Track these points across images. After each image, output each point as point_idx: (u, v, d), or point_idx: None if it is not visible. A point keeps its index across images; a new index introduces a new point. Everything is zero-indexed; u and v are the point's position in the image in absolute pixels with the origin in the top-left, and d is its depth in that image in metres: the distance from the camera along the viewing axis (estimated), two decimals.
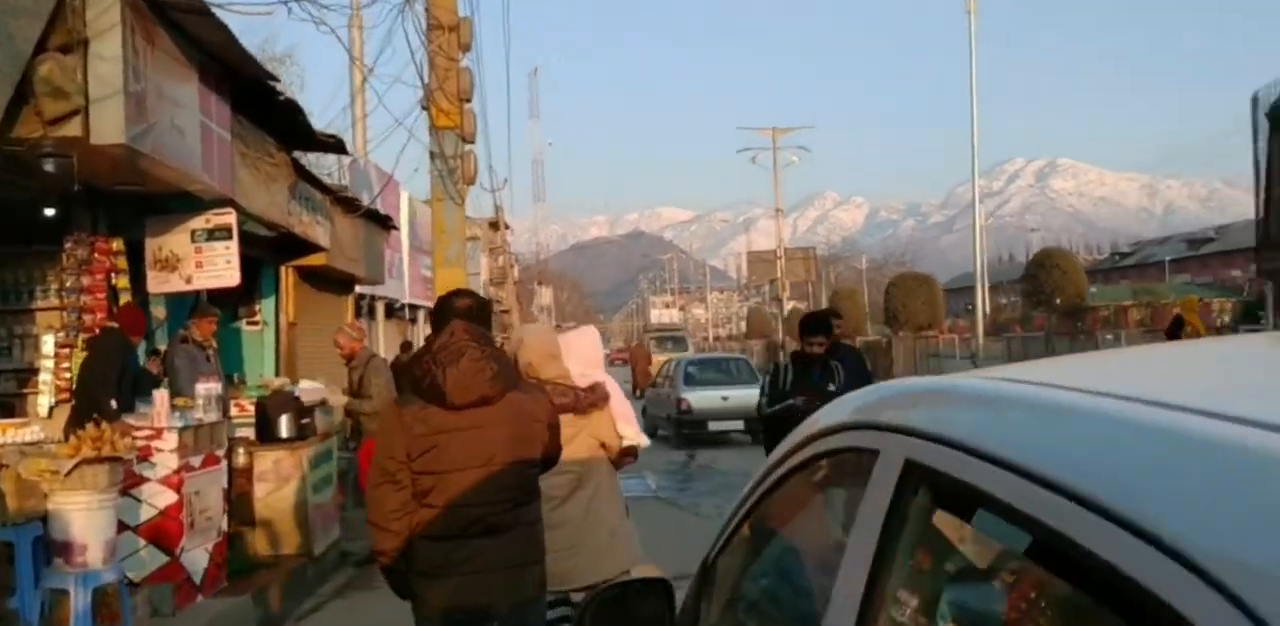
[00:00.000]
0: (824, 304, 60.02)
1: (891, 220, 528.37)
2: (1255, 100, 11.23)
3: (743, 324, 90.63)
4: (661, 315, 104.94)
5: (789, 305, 52.80)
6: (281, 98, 7.90)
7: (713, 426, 16.08)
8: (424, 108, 10.23)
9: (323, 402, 8.27)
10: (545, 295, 67.48)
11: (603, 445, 4.00)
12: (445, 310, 3.37)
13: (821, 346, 5.94)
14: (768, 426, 6.22)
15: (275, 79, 7.97)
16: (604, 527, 3.90)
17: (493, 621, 3.06)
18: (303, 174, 9.36)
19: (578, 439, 3.84)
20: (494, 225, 39.76)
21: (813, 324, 6.17)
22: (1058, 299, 40.11)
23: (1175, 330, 11.63)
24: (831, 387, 5.73)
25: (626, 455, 4.19)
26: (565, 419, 3.69)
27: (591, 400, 3.93)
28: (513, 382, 3.16)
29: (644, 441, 4.35)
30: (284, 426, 7.37)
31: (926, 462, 1.13)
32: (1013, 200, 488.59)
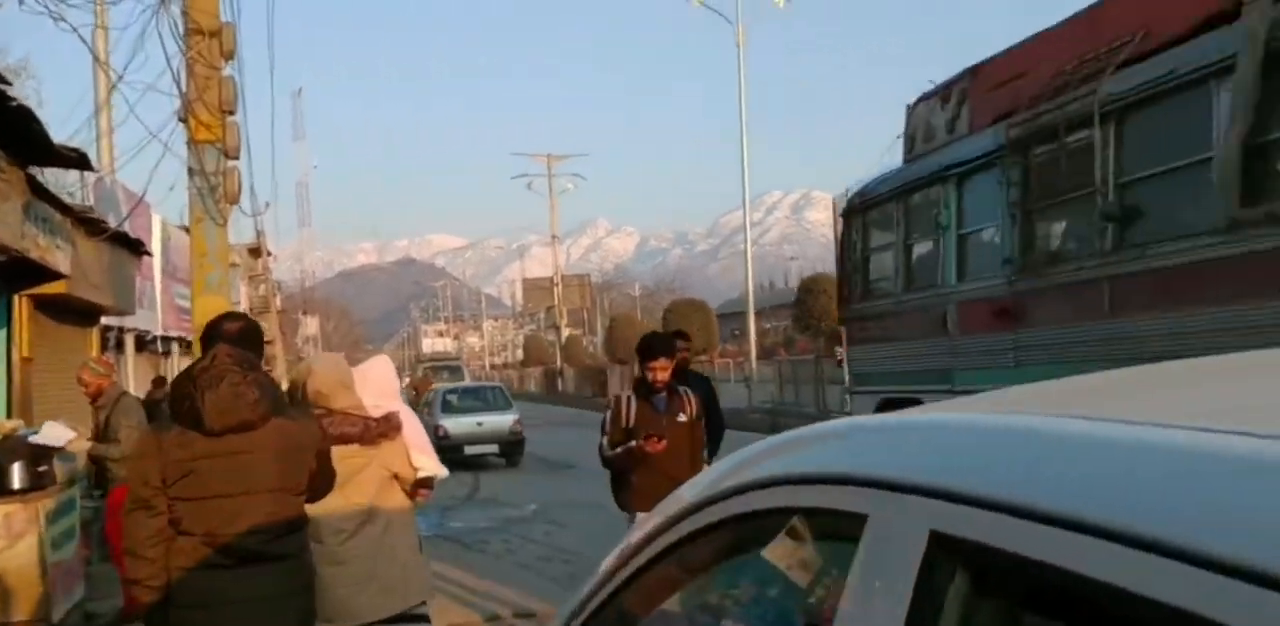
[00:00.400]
0: (600, 330, 60.20)
1: (661, 248, 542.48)
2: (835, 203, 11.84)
3: (519, 352, 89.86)
4: (434, 344, 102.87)
5: (566, 332, 53.06)
6: (14, 104, 7.01)
7: (469, 450, 17.10)
8: (181, 119, 9.34)
9: (62, 448, 7.39)
10: (311, 325, 64.09)
11: (396, 477, 3.89)
12: (213, 334, 3.30)
13: (665, 371, 5.13)
14: (612, 471, 5.50)
15: (5, 82, 7.07)
16: (395, 562, 3.80)
17: None
18: (39, 192, 8.47)
19: (367, 470, 3.76)
20: (255, 252, 37.55)
21: (654, 345, 5.28)
22: (823, 322, 42.02)
23: None
24: (682, 419, 5.14)
25: (422, 487, 4.05)
26: (354, 449, 3.67)
27: (382, 430, 3.82)
28: (277, 409, 3.09)
29: (442, 472, 4.21)
30: (16, 475, 6.51)
31: (973, 538, 0.77)
32: (772, 230, 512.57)
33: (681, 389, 5.31)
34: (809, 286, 47.02)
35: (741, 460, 1.27)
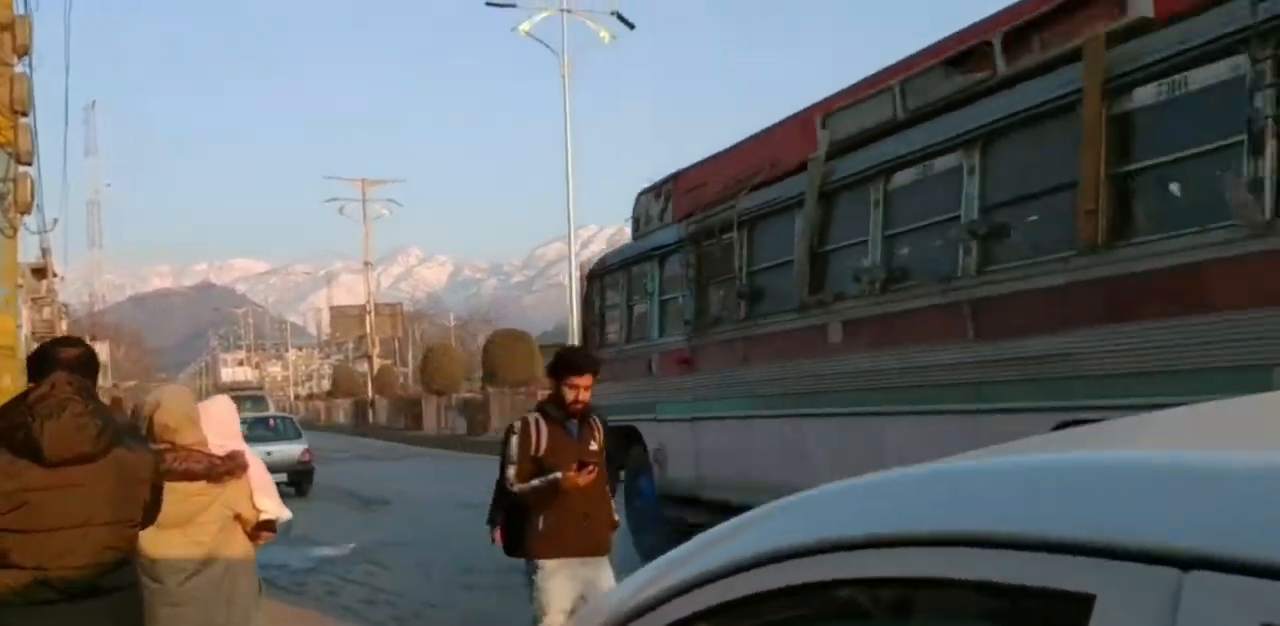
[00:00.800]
0: (412, 361, 59.83)
1: (475, 279, 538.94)
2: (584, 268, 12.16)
3: (325, 382, 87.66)
4: (234, 373, 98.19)
5: (377, 363, 51.77)
6: None
7: None
8: None
9: None
10: (100, 352, 60.89)
11: (238, 517, 3.82)
12: (46, 359, 3.15)
13: (588, 391, 4.53)
14: (509, 510, 4.65)
15: None
16: (234, 607, 3.75)
17: None
18: None
19: (211, 509, 3.70)
20: (39, 272, 36.18)
21: (577, 360, 4.71)
22: None
23: None
24: (594, 448, 4.59)
25: (264, 529, 3.99)
26: (199, 487, 3.62)
27: (228, 468, 3.74)
28: (117, 439, 3.02)
29: (285, 514, 4.10)
30: None
31: None
32: (589, 264, 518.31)
33: (594, 417, 4.72)
34: None
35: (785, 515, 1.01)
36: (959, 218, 5.40)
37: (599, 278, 10.14)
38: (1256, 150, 3.88)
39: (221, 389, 52.99)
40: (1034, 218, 5.40)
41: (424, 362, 37.74)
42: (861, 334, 6.15)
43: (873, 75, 6.61)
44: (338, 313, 55.73)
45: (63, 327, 46.28)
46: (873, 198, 6.10)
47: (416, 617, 7.62)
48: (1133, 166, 4.59)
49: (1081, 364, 4.54)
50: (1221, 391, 3.22)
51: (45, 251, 30.14)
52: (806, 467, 6.14)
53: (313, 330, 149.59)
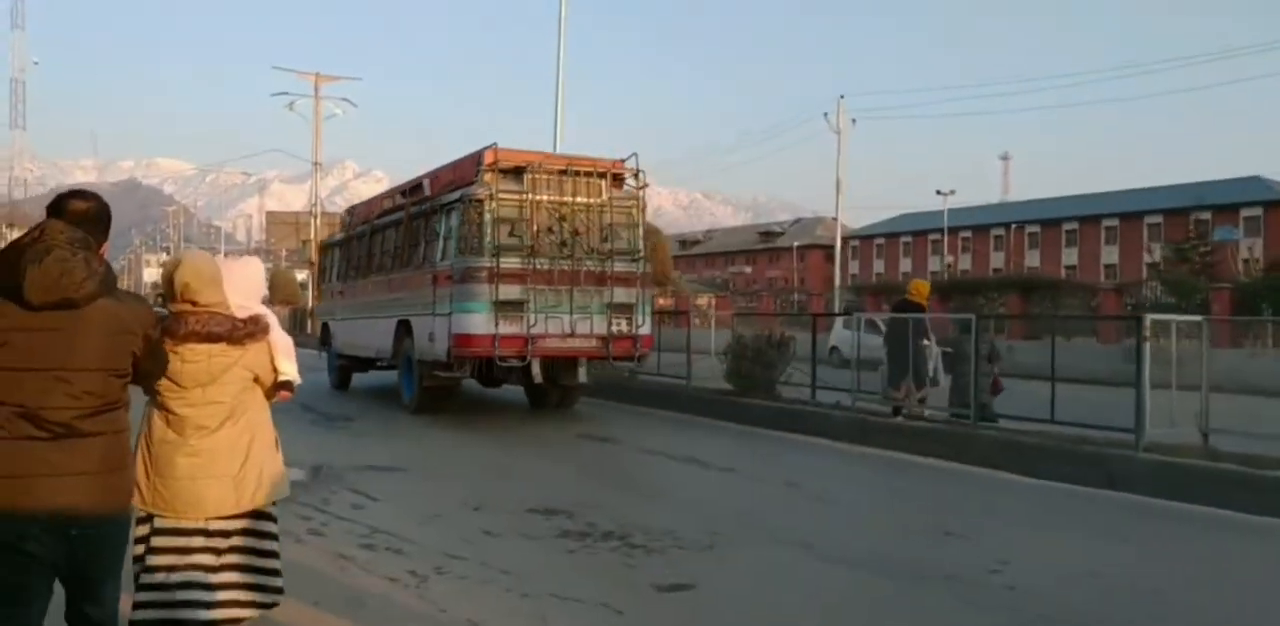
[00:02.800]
0: None
1: None
2: None
3: None
4: (157, 274, 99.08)
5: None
6: None
7: None
8: None
9: None
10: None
11: (257, 379, 3.93)
12: (54, 209, 3.12)
13: None
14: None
15: None
16: (252, 461, 3.86)
17: (70, 530, 2.95)
18: None
19: (233, 370, 3.81)
20: None
21: None
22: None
23: (904, 309, 11.83)
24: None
25: (282, 390, 4.11)
26: (220, 348, 3.74)
27: (249, 331, 3.84)
28: (106, 289, 3.01)
29: (299, 378, 4.19)
30: None
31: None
32: None
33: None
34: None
35: None
36: (393, 247, 14.46)
37: (323, 249, 20.32)
38: (446, 244, 12.45)
39: (143, 289, 51.31)
40: (403, 251, 14.03)
41: None
42: (371, 288, 15.30)
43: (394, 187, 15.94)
44: (274, 218, 50.62)
45: None
46: (376, 235, 15.50)
47: (440, 574, 5.56)
48: (413, 242, 13.66)
49: (404, 304, 13.46)
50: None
51: None
52: (366, 338, 15.15)
53: (241, 237, 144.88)
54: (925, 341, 11.41)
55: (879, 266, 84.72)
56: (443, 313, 11.92)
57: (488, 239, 11.60)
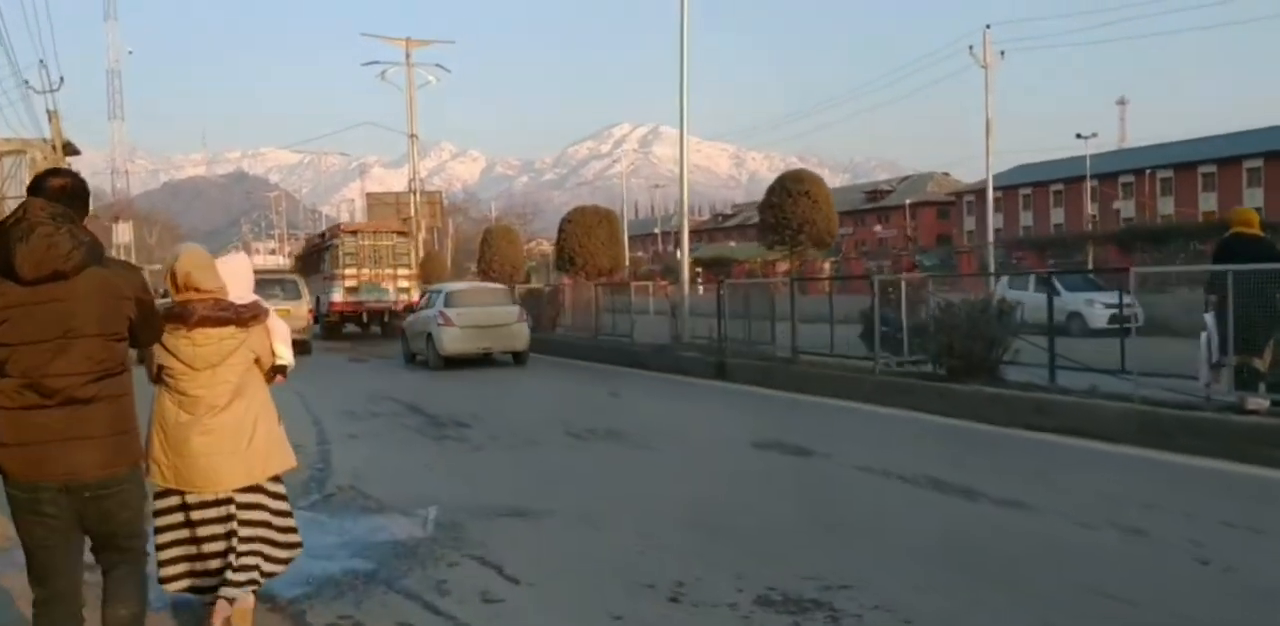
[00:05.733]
0: (450, 250, 59.53)
1: (507, 176, 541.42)
2: None
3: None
4: (266, 261, 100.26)
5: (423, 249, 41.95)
6: None
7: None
8: None
9: None
10: (124, 232, 56.73)
11: (257, 361, 4.20)
12: (33, 188, 3.22)
13: None
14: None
15: None
16: (258, 436, 4.12)
17: (83, 491, 3.11)
18: None
19: (239, 352, 4.07)
20: (66, 148, 33.29)
21: None
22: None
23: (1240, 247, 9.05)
24: None
25: (277, 373, 4.41)
26: (229, 331, 4.01)
27: (253, 313, 4.13)
28: (94, 258, 3.13)
29: (292, 361, 4.51)
30: None
31: None
32: (620, 162, 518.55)
33: None
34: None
35: None
36: (315, 261, 26.70)
37: (298, 259, 31.46)
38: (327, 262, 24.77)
39: (256, 273, 53.27)
40: (316, 263, 26.51)
41: (482, 247, 30.68)
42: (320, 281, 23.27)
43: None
44: (374, 199, 49.55)
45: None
46: (311, 255, 27.13)
47: None
48: (318, 260, 24.65)
49: (318, 289, 22.49)
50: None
51: (52, 113, 27.07)
52: (322, 303, 25.31)
53: (345, 220, 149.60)
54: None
55: (998, 221, 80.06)
56: (324, 293, 26.25)
57: (341, 260, 25.85)
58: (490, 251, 29.67)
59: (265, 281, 24.36)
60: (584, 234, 23.51)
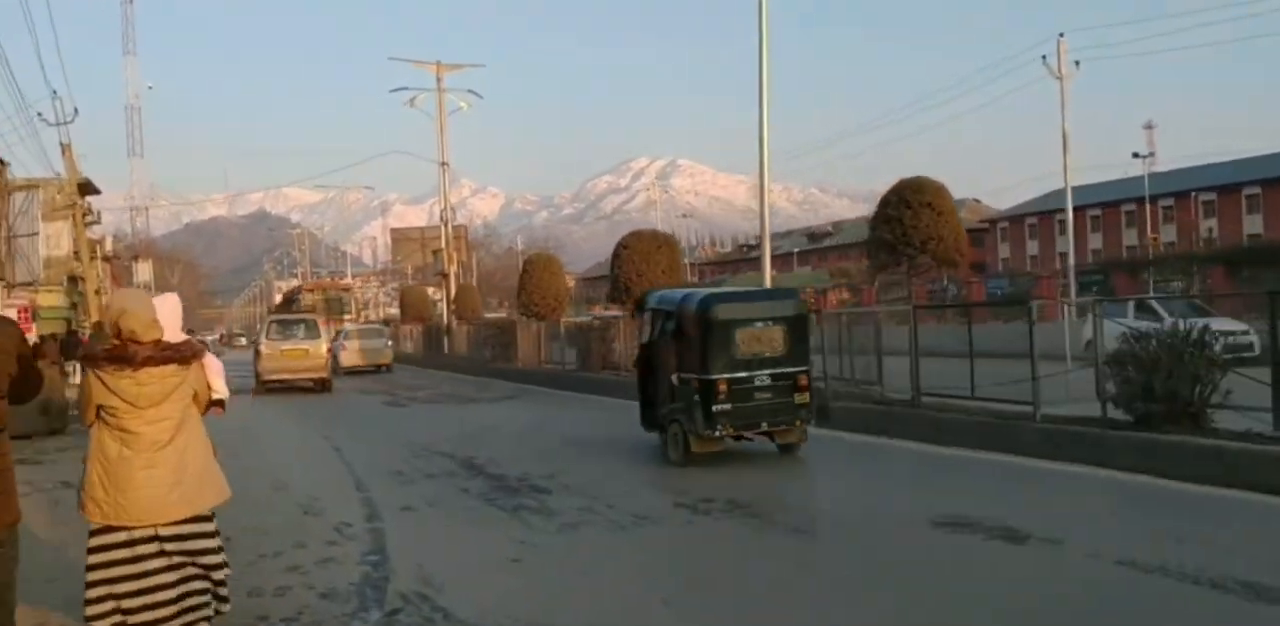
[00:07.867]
0: (474, 284, 56.39)
1: (526, 211, 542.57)
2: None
3: (385, 309, 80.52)
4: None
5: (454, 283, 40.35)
6: None
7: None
8: None
9: None
10: (143, 271, 56.60)
11: (195, 396, 4.34)
12: None
13: None
14: None
15: None
16: (197, 468, 4.26)
17: None
18: None
19: (180, 388, 4.22)
20: (84, 188, 30.13)
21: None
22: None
23: None
24: None
25: (215, 405, 4.64)
26: (172, 369, 4.16)
27: (194, 351, 4.30)
28: None
29: (227, 394, 4.77)
30: None
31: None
32: (638, 196, 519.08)
33: None
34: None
35: None
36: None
37: (274, 312, 44.19)
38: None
39: (273, 311, 50.00)
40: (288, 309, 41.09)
41: (522, 279, 28.71)
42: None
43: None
44: (398, 235, 48.70)
45: (106, 247, 45.01)
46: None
47: None
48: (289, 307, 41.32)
49: None
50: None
51: (65, 147, 25.27)
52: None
53: (368, 259, 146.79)
54: None
55: (1033, 248, 77.63)
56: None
57: (302, 307, 46.17)
58: (531, 282, 27.11)
59: (287, 322, 25.20)
60: (642, 260, 20.91)
